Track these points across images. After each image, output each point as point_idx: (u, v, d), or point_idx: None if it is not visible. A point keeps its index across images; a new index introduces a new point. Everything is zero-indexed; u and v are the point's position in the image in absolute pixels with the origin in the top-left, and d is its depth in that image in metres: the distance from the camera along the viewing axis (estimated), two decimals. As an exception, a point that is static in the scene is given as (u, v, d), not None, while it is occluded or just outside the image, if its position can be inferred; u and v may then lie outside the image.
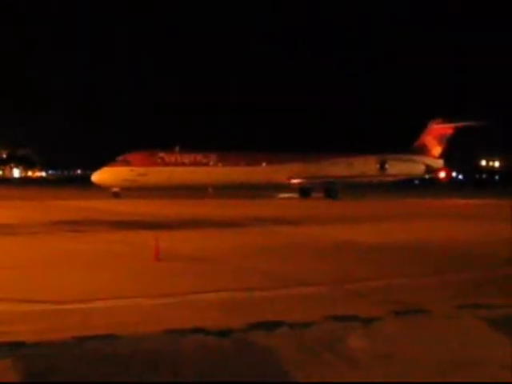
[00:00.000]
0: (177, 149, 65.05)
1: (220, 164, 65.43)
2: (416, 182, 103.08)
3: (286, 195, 66.72)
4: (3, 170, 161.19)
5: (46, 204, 48.97)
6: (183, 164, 63.82)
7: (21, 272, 15.03)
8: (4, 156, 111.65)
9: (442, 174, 73.73)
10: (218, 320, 9.90)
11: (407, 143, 76.96)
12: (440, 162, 75.15)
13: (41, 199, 54.90)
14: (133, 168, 60.60)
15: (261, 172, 66.88)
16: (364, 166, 70.38)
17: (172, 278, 14.34)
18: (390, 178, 73.22)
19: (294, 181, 67.27)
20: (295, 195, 66.84)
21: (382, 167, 70.36)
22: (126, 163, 61.14)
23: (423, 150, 74.77)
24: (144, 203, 51.01)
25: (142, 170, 60.87)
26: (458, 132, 75.92)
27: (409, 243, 21.33)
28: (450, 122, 74.98)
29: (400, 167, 71.48)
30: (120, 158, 62.56)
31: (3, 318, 10.05)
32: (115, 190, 60.42)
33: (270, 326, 9.33)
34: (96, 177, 62.05)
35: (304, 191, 67.97)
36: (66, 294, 12.05)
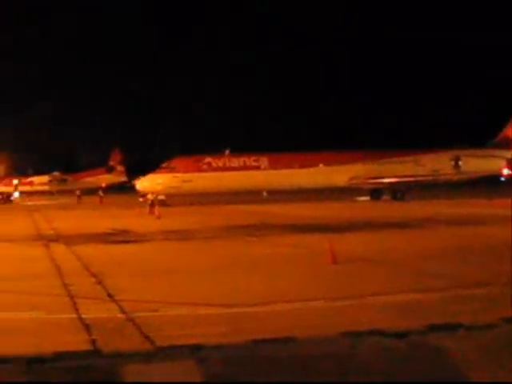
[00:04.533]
0: (227, 152, 62.42)
1: (272, 167, 61.10)
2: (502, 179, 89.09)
3: (362, 198, 61.94)
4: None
5: (221, 209, 50.28)
6: (232, 168, 60.41)
7: (199, 276, 15.51)
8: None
9: (506, 171, 61.47)
10: (395, 322, 9.78)
11: (482, 137, 68.71)
12: None
13: (214, 204, 56.50)
14: (176, 174, 58.33)
15: (319, 174, 61.80)
16: (435, 164, 63.46)
17: (349, 281, 14.31)
18: (466, 176, 64.08)
19: (356, 183, 61.92)
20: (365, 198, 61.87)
21: (457, 164, 62.92)
22: (171, 169, 59.07)
23: (508, 144, 64.30)
24: (312, 207, 50.96)
25: (186, 176, 58.41)
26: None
27: None
28: None
29: (476, 164, 63.20)
30: (165, 164, 60.92)
31: (184, 322, 10.40)
32: (161, 197, 57.67)
33: (447, 328, 9.13)
34: (140, 184, 60.50)
35: (375, 193, 62.40)
36: (244, 298, 12.27)
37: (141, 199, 50.40)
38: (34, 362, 7.97)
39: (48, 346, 8.85)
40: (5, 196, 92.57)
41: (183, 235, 27.14)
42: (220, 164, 60.50)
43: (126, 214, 46.75)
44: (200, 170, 59.32)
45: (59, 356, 8.25)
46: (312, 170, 61.75)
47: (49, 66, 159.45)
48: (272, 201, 58.72)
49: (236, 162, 61.10)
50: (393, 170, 61.82)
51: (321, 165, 62.30)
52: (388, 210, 44.51)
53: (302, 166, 61.45)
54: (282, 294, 12.67)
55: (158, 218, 39.87)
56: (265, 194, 63.27)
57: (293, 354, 8.19)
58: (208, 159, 60.59)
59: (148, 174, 60.98)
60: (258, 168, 60.98)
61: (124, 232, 29.70)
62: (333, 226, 29.32)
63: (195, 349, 8.44)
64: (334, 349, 8.39)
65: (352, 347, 8.41)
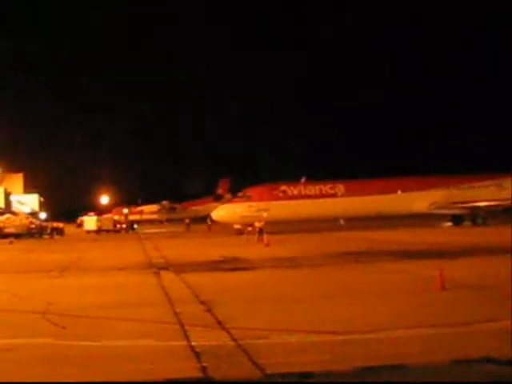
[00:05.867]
0: (303, 180, 61.78)
1: (349, 194, 59.88)
2: None
3: (448, 224, 60.03)
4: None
5: (324, 236, 50.02)
6: (308, 196, 59.58)
7: (308, 304, 15.48)
8: None
9: None
10: (506, 349, 9.48)
11: None
12: None
13: (322, 231, 56.12)
14: (251, 204, 57.63)
15: (397, 200, 60.36)
16: None
17: (458, 307, 14.01)
18: None
19: (437, 210, 59.82)
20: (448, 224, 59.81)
21: None
22: (246, 198, 58.59)
23: None
24: (407, 233, 49.94)
25: (262, 204, 57.54)
26: None
27: None
28: None
29: None
30: (240, 193, 60.80)
31: (293, 348, 10.41)
32: (237, 227, 58.15)
33: None
34: (216, 214, 60.59)
35: (457, 219, 60.17)
36: (352, 325, 12.21)
37: (249, 228, 50.99)
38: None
39: (159, 373, 9.01)
40: (129, 224, 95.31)
41: (292, 262, 27.15)
42: (295, 192, 60.21)
43: (234, 242, 47.20)
44: (276, 199, 59.04)
45: (170, 383, 8.38)
46: (391, 196, 60.88)
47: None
48: (355, 228, 57.86)
49: (312, 189, 60.70)
50: (475, 195, 60.00)
51: (399, 191, 61.26)
52: (481, 235, 43.03)
53: (380, 193, 60.64)
54: (390, 320, 12.55)
55: (267, 245, 40.07)
56: (342, 221, 62.37)
57: (403, 382, 8.05)
58: (283, 187, 60.45)
59: (224, 204, 61.84)
60: (334, 195, 60.45)
61: (233, 260, 29.96)
62: (436, 252, 28.78)
63: (304, 376, 8.41)
64: (446, 377, 8.20)
65: (464, 375, 8.20)
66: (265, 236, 43.59)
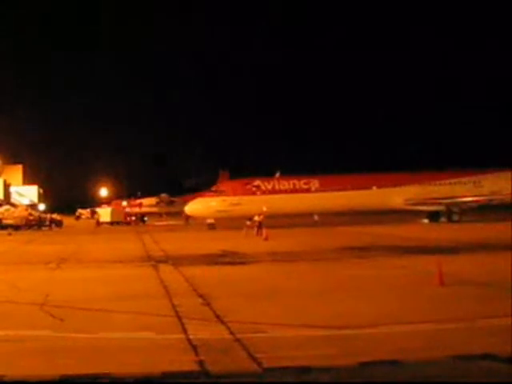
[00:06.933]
0: (277, 174, 61.70)
1: (323, 189, 59.71)
2: None
3: (424, 220, 59.87)
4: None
5: (329, 231, 50.06)
6: (281, 191, 59.43)
7: (307, 298, 15.42)
8: None
9: None
10: (506, 346, 9.45)
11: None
12: None
13: (326, 226, 56.12)
14: (225, 198, 57.76)
15: (372, 196, 59.92)
16: (495, 185, 59.21)
17: (456, 303, 13.97)
18: None
19: (413, 205, 59.51)
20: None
21: None
22: (219, 193, 58.71)
23: None
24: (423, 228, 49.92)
25: (235, 199, 57.74)
26: None
27: None
28: None
29: None
30: (213, 187, 60.78)
31: (291, 343, 10.37)
32: (210, 221, 58.31)
33: None
34: (189, 208, 60.76)
35: (433, 216, 59.71)
36: (350, 320, 12.17)
37: (248, 222, 51.00)
38: (143, 382, 8.08)
39: (157, 366, 8.98)
40: (138, 217, 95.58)
41: (291, 257, 27.15)
42: (269, 187, 60.03)
43: (233, 236, 47.16)
44: (249, 193, 58.90)
45: (167, 376, 8.35)
46: (366, 191, 60.44)
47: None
48: (327, 224, 57.86)
49: (286, 184, 60.46)
50: (451, 191, 59.76)
51: (374, 187, 60.88)
52: (466, 231, 42.85)
53: (354, 188, 60.21)
54: (390, 316, 12.53)
55: (266, 239, 40.06)
56: (316, 217, 62.38)
57: (402, 377, 8.02)
58: (257, 182, 60.29)
59: (197, 198, 61.68)
60: (308, 191, 60.25)
61: (232, 253, 29.94)
62: (432, 248, 28.75)
63: (302, 370, 8.39)
64: (446, 372, 8.17)
65: (463, 371, 8.17)
66: (264, 230, 43.58)
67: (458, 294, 15.29)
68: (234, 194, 58.43)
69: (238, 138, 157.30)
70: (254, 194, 59.05)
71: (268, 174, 63.72)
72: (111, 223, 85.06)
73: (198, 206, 59.86)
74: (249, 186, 59.59)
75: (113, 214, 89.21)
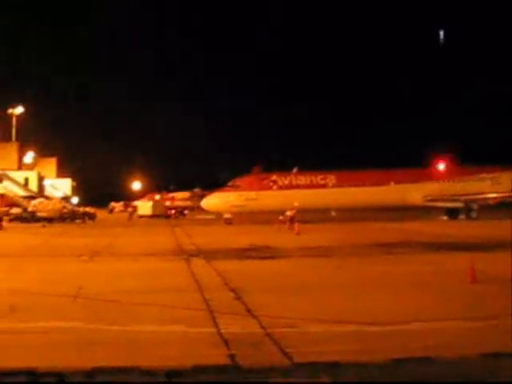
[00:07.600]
0: (295, 170, 61.53)
1: (340, 185, 59.48)
2: None
3: (443, 217, 59.13)
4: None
5: (359, 227, 49.84)
6: (298, 186, 59.23)
7: (337, 294, 15.44)
8: None
9: None
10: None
11: None
12: None
13: (354, 222, 55.88)
14: (241, 193, 57.65)
15: (391, 192, 59.46)
16: None
17: (488, 301, 13.88)
18: None
19: (431, 201, 58.93)
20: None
21: None
22: (236, 188, 58.50)
23: None
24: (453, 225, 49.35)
25: (251, 194, 57.70)
26: None
27: None
28: None
29: None
30: (230, 182, 60.43)
31: (319, 338, 10.40)
32: (226, 216, 58.11)
33: None
34: (206, 202, 60.55)
35: (452, 212, 59.22)
36: (380, 316, 12.16)
37: (281, 217, 51.06)
38: (174, 375, 8.13)
39: (188, 359, 9.03)
40: (178, 210, 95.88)
41: (322, 252, 27.11)
42: (286, 182, 60.01)
43: (265, 230, 47.21)
44: (265, 188, 58.88)
45: (198, 369, 8.39)
46: (384, 187, 60.03)
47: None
48: (346, 219, 57.35)
49: (303, 179, 60.44)
50: (470, 188, 59.25)
51: (392, 182, 60.57)
52: (490, 228, 41.97)
53: (372, 184, 59.91)
54: (419, 312, 12.48)
55: (298, 234, 40.06)
56: (333, 212, 62.08)
57: (430, 375, 7.99)
58: (274, 177, 60.29)
59: (214, 192, 61.55)
60: (325, 186, 60.05)
61: (263, 248, 29.95)
62: (462, 244, 28.58)
63: (332, 365, 8.38)
64: (475, 371, 8.12)
65: (493, 369, 8.11)
66: (296, 225, 43.56)
67: (490, 291, 15.19)
68: (251, 189, 58.51)
69: (271, 134, 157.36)
70: (270, 188, 59.07)
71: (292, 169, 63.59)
72: (151, 216, 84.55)
73: (215, 201, 59.88)
74: (266, 181, 59.73)
75: (154, 207, 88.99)
